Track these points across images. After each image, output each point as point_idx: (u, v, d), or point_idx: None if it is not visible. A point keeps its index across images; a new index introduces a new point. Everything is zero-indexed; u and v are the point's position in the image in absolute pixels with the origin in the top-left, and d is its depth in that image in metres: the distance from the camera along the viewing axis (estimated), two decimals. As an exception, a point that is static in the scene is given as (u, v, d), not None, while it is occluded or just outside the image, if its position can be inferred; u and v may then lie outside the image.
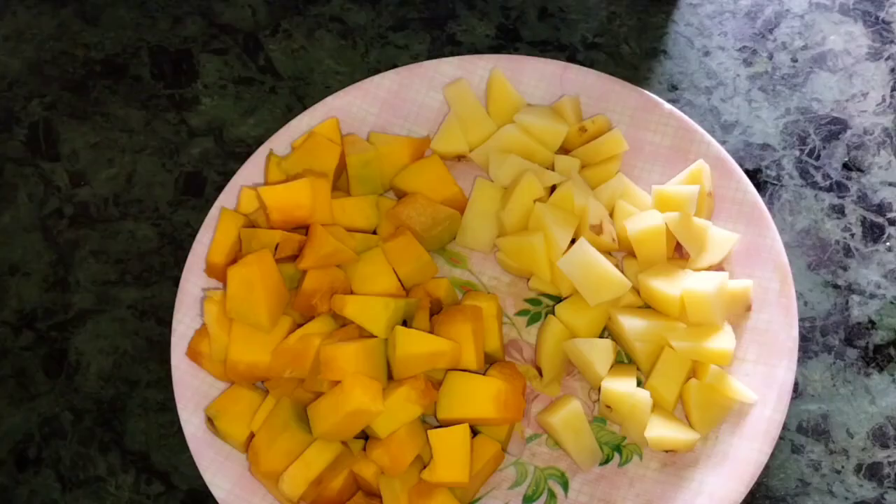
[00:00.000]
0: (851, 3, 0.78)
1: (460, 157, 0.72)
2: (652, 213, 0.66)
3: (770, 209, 0.71)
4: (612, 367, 0.65)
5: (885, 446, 0.67)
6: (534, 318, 0.69)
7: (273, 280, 0.64)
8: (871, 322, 0.69)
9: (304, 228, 0.67)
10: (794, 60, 0.76)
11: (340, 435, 0.62)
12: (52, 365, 0.72)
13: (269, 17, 0.80)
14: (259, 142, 0.76)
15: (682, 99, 0.75)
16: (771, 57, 0.76)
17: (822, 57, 0.76)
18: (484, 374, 0.65)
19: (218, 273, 0.68)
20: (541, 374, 0.67)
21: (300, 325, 0.65)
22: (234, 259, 0.66)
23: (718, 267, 0.67)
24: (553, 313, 0.67)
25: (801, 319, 0.69)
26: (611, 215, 0.68)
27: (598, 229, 0.66)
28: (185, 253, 0.72)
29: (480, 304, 0.66)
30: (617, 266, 0.66)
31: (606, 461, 0.65)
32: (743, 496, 0.62)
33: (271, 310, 0.64)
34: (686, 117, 0.70)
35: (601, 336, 0.67)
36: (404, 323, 0.65)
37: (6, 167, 0.77)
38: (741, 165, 0.72)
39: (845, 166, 0.73)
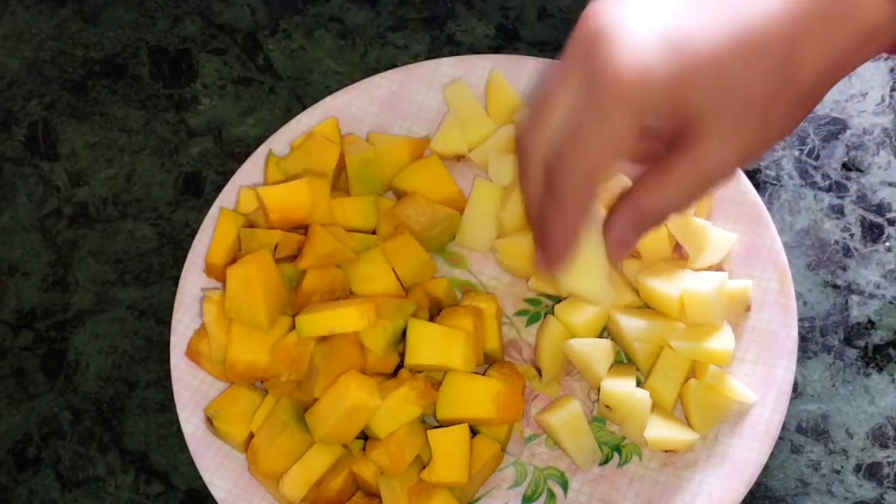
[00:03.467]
0: (851, 3, 0.78)
1: (460, 157, 0.72)
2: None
3: (769, 209, 0.71)
4: (611, 367, 0.65)
5: (884, 446, 0.67)
6: (533, 319, 0.69)
7: (272, 280, 0.64)
8: (871, 322, 0.69)
9: (303, 228, 0.67)
10: (794, 60, 0.76)
11: (341, 437, 0.62)
12: (51, 365, 0.72)
13: (268, 17, 0.80)
14: (258, 142, 0.76)
15: (682, 99, 0.75)
16: (770, 57, 0.76)
17: (822, 57, 0.76)
18: (483, 375, 0.65)
19: (217, 273, 0.68)
20: (540, 374, 0.67)
21: (299, 326, 0.65)
22: (234, 259, 0.66)
23: (718, 267, 0.67)
24: (552, 313, 0.67)
25: (801, 319, 0.69)
26: (610, 215, 0.68)
27: (597, 229, 0.66)
28: (185, 253, 0.72)
29: (480, 304, 0.66)
30: (616, 266, 0.67)
31: (606, 461, 0.65)
32: (742, 496, 0.62)
33: (270, 310, 0.64)
34: (685, 117, 0.70)
35: (600, 336, 0.67)
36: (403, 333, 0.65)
37: (5, 167, 0.77)
38: (740, 165, 0.72)
39: (844, 166, 0.73)
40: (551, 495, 0.65)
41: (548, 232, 0.53)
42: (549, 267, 0.55)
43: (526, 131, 0.52)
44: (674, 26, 0.47)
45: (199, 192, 0.75)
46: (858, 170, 0.73)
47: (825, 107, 0.75)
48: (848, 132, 0.74)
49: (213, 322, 0.65)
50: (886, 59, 0.76)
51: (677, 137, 0.49)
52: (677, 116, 0.48)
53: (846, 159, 0.73)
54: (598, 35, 0.47)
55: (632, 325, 0.65)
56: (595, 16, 0.48)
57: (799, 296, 0.70)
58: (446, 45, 0.78)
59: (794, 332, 0.65)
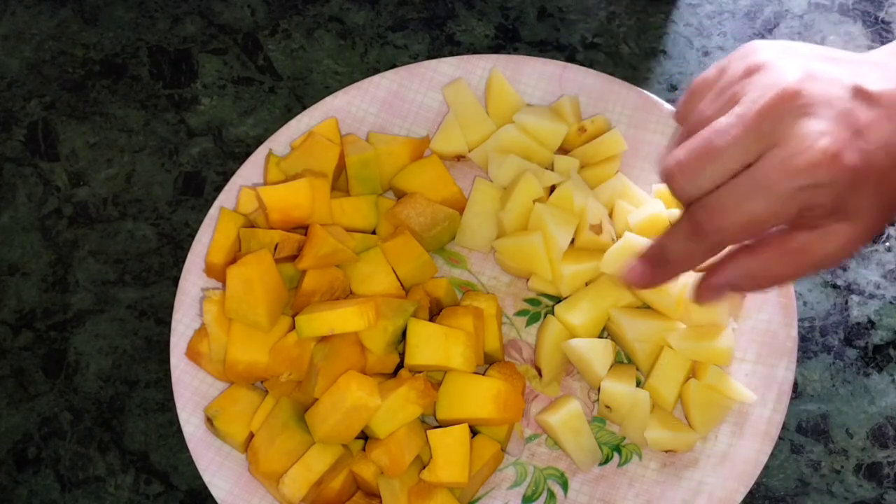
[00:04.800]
0: (851, 3, 0.78)
1: (459, 157, 0.72)
2: (653, 203, 0.66)
3: (769, 209, 0.71)
4: (611, 367, 0.65)
5: (884, 446, 0.67)
6: (533, 319, 0.69)
7: (272, 280, 0.64)
8: (871, 322, 0.69)
9: (303, 228, 0.67)
10: (794, 60, 0.76)
11: (341, 437, 0.62)
12: (51, 365, 0.72)
13: (268, 17, 0.80)
14: (258, 142, 0.76)
15: (682, 99, 0.75)
16: (770, 57, 0.76)
17: (822, 57, 0.76)
18: (483, 375, 0.65)
19: (217, 273, 0.68)
20: (540, 374, 0.67)
21: (299, 325, 0.65)
22: (234, 259, 0.66)
23: (718, 267, 0.67)
24: (552, 313, 0.67)
25: (801, 319, 0.69)
26: (610, 215, 0.68)
27: (597, 229, 0.66)
28: (185, 253, 0.72)
29: (480, 304, 0.66)
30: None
31: (606, 461, 0.65)
32: (742, 496, 0.63)
33: (270, 310, 0.64)
34: (685, 117, 0.70)
35: (601, 336, 0.67)
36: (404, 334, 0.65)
37: (5, 167, 0.77)
38: (740, 165, 0.72)
39: (844, 166, 0.73)
40: (551, 495, 0.65)
41: (674, 262, 0.54)
42: (649, 284, 0.57)
43: (683, 169, 0.51)
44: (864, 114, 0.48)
45: (199, 192, 0.75)
46: (858, 170, 0.73)
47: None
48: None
49: (213, 322, 0.65)
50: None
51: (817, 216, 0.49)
52: (838, 200, 0.48)
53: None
54: (799, 105, 0.48)
55: (632, 325, 0.65)
56: (803, 82, 0.48)
57: (799, 296, 0.70)
58: (446, 45, 0.78)
59: (794, 332, 0.65)
